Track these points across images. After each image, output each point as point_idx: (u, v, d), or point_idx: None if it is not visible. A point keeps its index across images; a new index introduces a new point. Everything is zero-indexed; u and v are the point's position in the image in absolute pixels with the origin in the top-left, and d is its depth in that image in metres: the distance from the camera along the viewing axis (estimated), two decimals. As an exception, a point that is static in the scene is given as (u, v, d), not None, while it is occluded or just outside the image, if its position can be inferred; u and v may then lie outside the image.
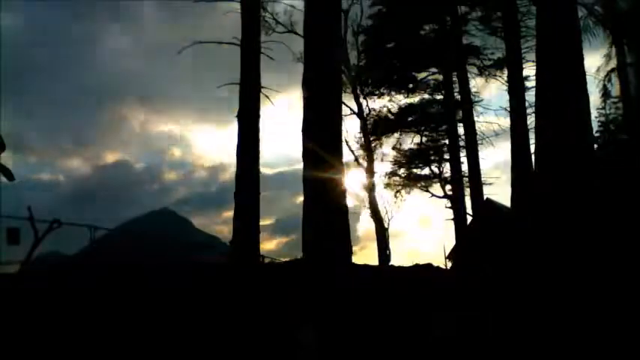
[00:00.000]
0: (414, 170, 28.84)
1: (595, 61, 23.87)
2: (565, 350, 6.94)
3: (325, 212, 10.76)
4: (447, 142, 27.72)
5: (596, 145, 20.11)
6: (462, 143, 26.48)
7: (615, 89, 24.52)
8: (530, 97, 19.76)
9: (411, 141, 28.93)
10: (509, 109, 19.96)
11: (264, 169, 16.04)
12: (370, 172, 28.85)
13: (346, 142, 27.26)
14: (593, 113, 19.10)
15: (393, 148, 29.31)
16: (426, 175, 28.63)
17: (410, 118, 28.55)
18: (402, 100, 28.73)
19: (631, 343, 6.67)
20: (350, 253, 11.20)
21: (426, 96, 28.18)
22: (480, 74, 26.62)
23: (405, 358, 7.18)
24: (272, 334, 7.67)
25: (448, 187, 27.59)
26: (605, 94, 25.62)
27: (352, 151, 28.76)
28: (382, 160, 29.40)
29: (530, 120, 19.21)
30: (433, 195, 28.33)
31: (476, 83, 27.07)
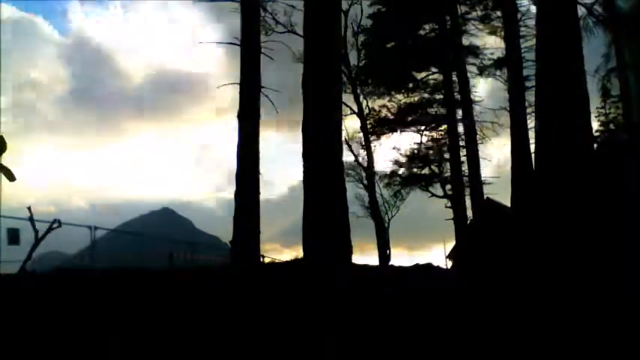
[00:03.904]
0: (414, 170, 28.86)
1: (595, 61, 23.84)
2: (564, 350, 6.95)
3: (325, 212, 10.78)
4: (447, 141, 27.73)
5: (596, 145, 20.13)
6: (462, 143, 26.49)
7: (615, 89, 24.54)
8: (530, 97, 19.82)
9: (411, 141, 29.02)
10: (509, 109, 19.98)
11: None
12: (370, 172, 28.85)
13: (346, 141, 27.28)
14: (593, 113, 19.19)
15: (393, 148, 29.36)
16: (426, 175, 28.63)
17: (410, 118, 28.57)
18: (402, 100, 28.76)
19: (629, 343, 6.68)
20: (350, 252, 11.22)
21: (426, 96, 28.19)
22: (480, 74, 26.63)
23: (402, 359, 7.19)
24: (270, 334, 7.68)
25: (448, 187, 27.60)
26: (605, 94, 25.67)
27: (352, 151, 28.80)
28: (382, 160, 29.46)
29: (530, 120, 19.28)
30: (433, 195, 28.34)
31: (475, 83, 27.12)
